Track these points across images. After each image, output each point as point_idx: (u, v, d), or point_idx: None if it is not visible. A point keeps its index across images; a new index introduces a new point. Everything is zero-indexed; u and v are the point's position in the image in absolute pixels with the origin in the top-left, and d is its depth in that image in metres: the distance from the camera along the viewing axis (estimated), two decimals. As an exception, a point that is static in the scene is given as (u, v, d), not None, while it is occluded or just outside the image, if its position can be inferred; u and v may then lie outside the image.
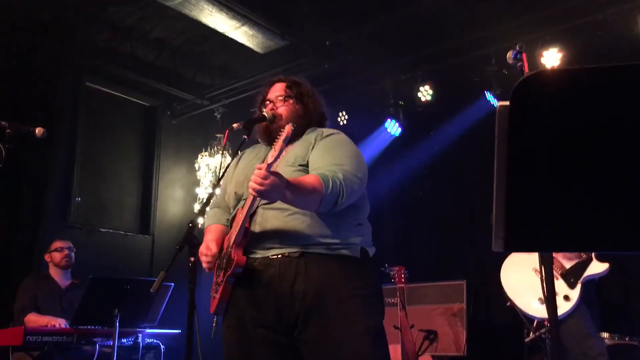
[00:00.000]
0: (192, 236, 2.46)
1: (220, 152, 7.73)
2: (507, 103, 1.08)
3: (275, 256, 2.40)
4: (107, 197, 7.33)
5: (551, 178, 1.12)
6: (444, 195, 6.89)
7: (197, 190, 7.72)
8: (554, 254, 3.13)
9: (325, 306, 2.31)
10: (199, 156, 7.79)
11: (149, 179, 7.69)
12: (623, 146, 1.08)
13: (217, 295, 2.50)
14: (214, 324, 2.59)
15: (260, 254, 2.44)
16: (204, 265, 2.53)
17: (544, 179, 1.12)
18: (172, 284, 4.60)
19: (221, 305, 2.50)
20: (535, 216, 1.19)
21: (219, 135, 7.86)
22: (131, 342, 4.66)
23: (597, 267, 3.21)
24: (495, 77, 6.11)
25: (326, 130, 2.66)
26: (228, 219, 2.71)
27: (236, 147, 2.81)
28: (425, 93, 6.52)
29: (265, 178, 2.12)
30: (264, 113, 2.73)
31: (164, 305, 4.87)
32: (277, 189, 2.15)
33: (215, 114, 8.01)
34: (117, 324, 4.19)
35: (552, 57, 5.59)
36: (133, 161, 7.71)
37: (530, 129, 1.08)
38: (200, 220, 2.80)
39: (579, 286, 3.26)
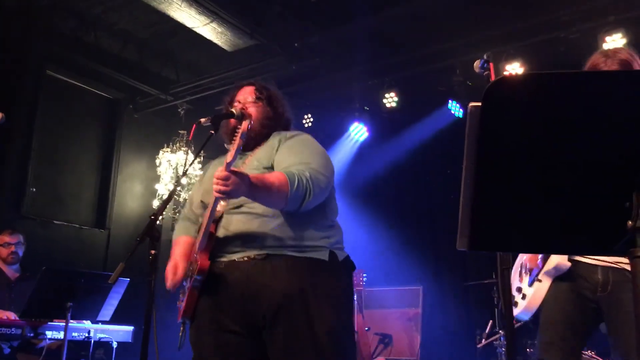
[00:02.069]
0: (153, 229, 2.42)
1: (182, 148, 7.65)
2: (479, 104, 1.11)
3: (241, 259, 2.37)
4: (63, 188, 7.16)
5: (517, 179, 1.16)
6: (405, 200, 6.98)
7: (157, 186, 7.61)
8: None
9: (292, 308, 2.29)
10: (161, 152, 7.68)
11: (107, 172, 7.55)
12: (586, 150, 1.12)
13: (184, 303, 2.46)
14: (180, 334, 2.54)
15: (226, 257, 2.41)
16: (167, 285, 2.49)
17: (510, 180, 1.16)
18: (128, 279, 4.51)
19: (187, 312, 2.44)
20: (500, 216, 1.23)
21: (182, 131, 7.77)
22: (82, 338, 4.55)
23: (556, 259, 2.52)
24: (460, 87, 6.23)
25: (290, 132, 2.65)
26: (197, 231, 2.68)
27: (202, 143, 2.79)
28: (390, 100, 6.60)
29: (226, 178, 2.11)
30: (233, 110, 2.71)
31: (118, 301, 4.77)
32: (240, 187, 2.14)
33: (179, 110, 7.93)
34: (69, 318, 4.09)
35: (514, 71, 5.74)
36: (92, 153, 7.55)
37: (500, 129, 1.12)
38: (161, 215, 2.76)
39: (536, 285, 2.59)
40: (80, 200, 7.34)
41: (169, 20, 6.24)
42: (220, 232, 2.41)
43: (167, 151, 7.70)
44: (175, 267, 2.50)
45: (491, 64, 2.33)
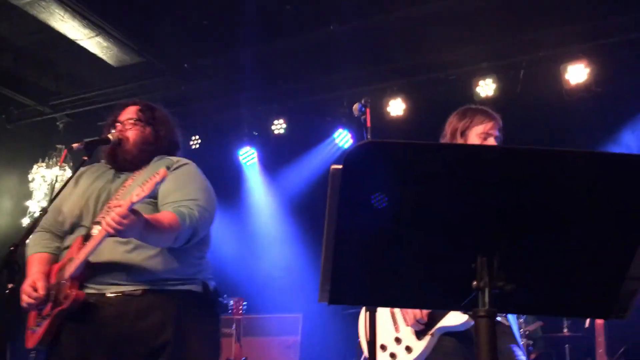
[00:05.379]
0: (12, 261, 2.27)
1: (59, 164, 7.25)
2: (340, 166, 1.15)
3: (114, 294, 2.27)
4: None
5: (375, 241, 1.21)
6: (289, 229, 7.01)
7: (29, 202, 7.13)
8: None
9: (167, 345, 2.24)
10: (35, 166, 7.22)
11: (-29, 187, 6.99)
12: (437, 216, 1.19)
13: (41, 330, 2.31)
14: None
15: (95, 289, 2.29)
16: (24, 303, 2.33)
17: (368, 241, 1.21)
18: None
19: (44, 341, 2.30)
20: (358, 274, 1.28)
21: (59, 146, 7.36)
22: None
23: (454, 319, 2.50)
24: (346, 118, 6.40)
25: (176, 161, 2.58)
26: (59, 247, 2.52)
27: (75, 168, 2.66)
28: (279, 126, 6.65)
29: (125, 217, 2.04)
30: (109, 135, 2.62)
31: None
32: (135, 228, 2.08)
33: (58, 123, 7.51)
34: None
35: (397, 107, 6.01)
36: (-46, 166, 6.97)
37: (359, 193, 1.16)
38: (27, 241, 2.58)
39: (428, 338, 2.56)
40: (-63, 216, 6.73)
41: (50, 30, 5.92)
42: (92, 260, 2.30)
43: (42, 166, 7.25)
44: (33, 285, 2.33)
45: (368, 110, 2.42)
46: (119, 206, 2.07)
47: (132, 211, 2.08)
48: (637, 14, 5.21)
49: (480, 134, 2.54)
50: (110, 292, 2.28)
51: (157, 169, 2.49)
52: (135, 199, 2.08)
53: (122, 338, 2.24)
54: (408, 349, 2.64)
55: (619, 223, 1.19)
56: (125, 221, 2.04)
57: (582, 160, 1.12)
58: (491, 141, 2.52)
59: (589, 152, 1.12)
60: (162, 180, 2.12)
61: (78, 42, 6.01)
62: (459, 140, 2.52)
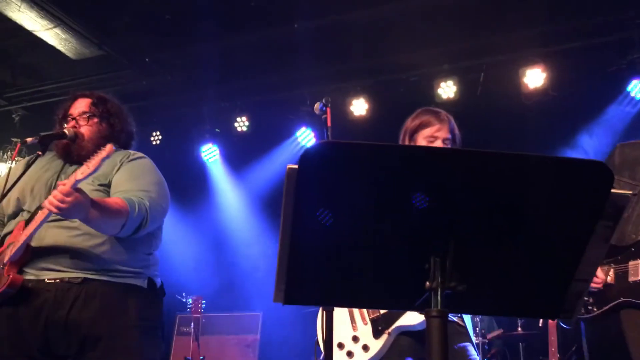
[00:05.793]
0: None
1: (17, 158, 7.04)
2: (296, 166, 1.15)
3: (52, 280, 2.22)
4: None
5: (331, 241, 1.21)
6: (250, 227, 6.98)
7: (-18, 197, 6.91)
8: None
9: (102, 337, 2.20)
10: (-12, 160, 7.02)
11: None
12: (393, 217, 1.20)
13: None
14: None
15: (33, 274, 2.24)
16: None
17: (324, 241, 1.21)
18: None
19: None
20: (314, 274, 1.28)
21: (15, 139, 7.16)
22: None
23: (411, 318, 2.56)
24: (310, 117, 6.40)
25: (132, 153, 2.57)
26: None
27: (27, 163, 2.59)
28: (241, 124, 6.61)
29: (68, 195, 1.98)
30: (65, 130, 2.56)
31: None
32: (80, 207, 2.02)
33: (14, 116, 7.30)
34: None
35: (360, 107, 6.04)
36: None
37: (314, 193, 1.16)
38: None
39: (385, 337, 2.62)
40: None
41: (6, 20, 5.75)
42: (34, 245, 2.25)
43: (-3, 159, 7.06)
44: None
45: (328, 109, 2.43)
46: (63, 184, 2.02)
47: (77, 190, 2.02)
48: (592, 20, 5.35)
49: (427, 137, 2.56)
50: (49, 277, 2.24)
51: (112, 161, 2.47)
52: (80, 176, 2.04)
53: (55, 325, 2.20)
54: (365, 348, 2.69)
55: (568, 227, 1.22)
56: (68, 199, 1.98)
57: (534, 164, 1.14)
58: (438, 144, 2.54)
59: (541, 157, 1.14)
60: (108, 156, 2.07)
61: (36, 33, 5.85)
62: (407, 142, 2.55)
